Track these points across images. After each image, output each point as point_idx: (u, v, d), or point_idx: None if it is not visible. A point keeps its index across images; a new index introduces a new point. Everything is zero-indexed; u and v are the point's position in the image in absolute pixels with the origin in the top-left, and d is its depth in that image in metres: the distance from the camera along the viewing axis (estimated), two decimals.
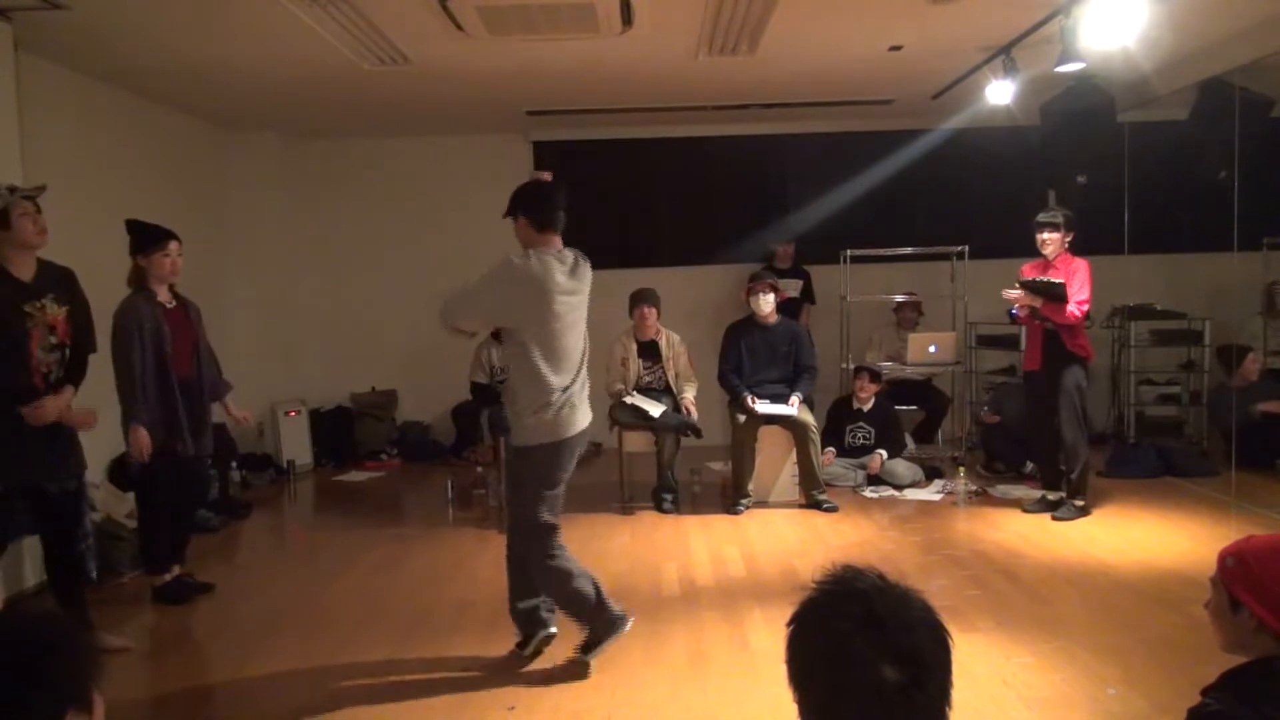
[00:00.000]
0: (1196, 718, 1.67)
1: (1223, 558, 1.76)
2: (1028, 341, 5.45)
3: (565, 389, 3.34)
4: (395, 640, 3.77)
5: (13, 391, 3.46)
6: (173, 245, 4.24)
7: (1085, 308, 5.14)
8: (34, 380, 3.52)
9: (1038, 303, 5.18)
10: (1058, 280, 5.12)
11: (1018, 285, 5.29)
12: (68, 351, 3.70)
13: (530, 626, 3.56)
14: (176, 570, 4.48)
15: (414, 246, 8.15)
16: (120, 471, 5.20)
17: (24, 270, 3.55)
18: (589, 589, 3.37)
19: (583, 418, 3.42)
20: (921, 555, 4.79)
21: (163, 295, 4.27)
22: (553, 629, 3.56)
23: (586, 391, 3.46)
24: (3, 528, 3.58)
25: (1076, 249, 5.29)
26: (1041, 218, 5.32)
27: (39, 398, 3.50)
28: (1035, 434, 5.63)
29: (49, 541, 3.75)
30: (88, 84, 5.66)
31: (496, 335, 6.12)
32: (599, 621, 3.41)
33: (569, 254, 3.41)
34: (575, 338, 3.41)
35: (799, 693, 1.16)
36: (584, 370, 3.44)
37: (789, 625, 1.20)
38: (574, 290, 3.38)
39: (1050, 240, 5.24)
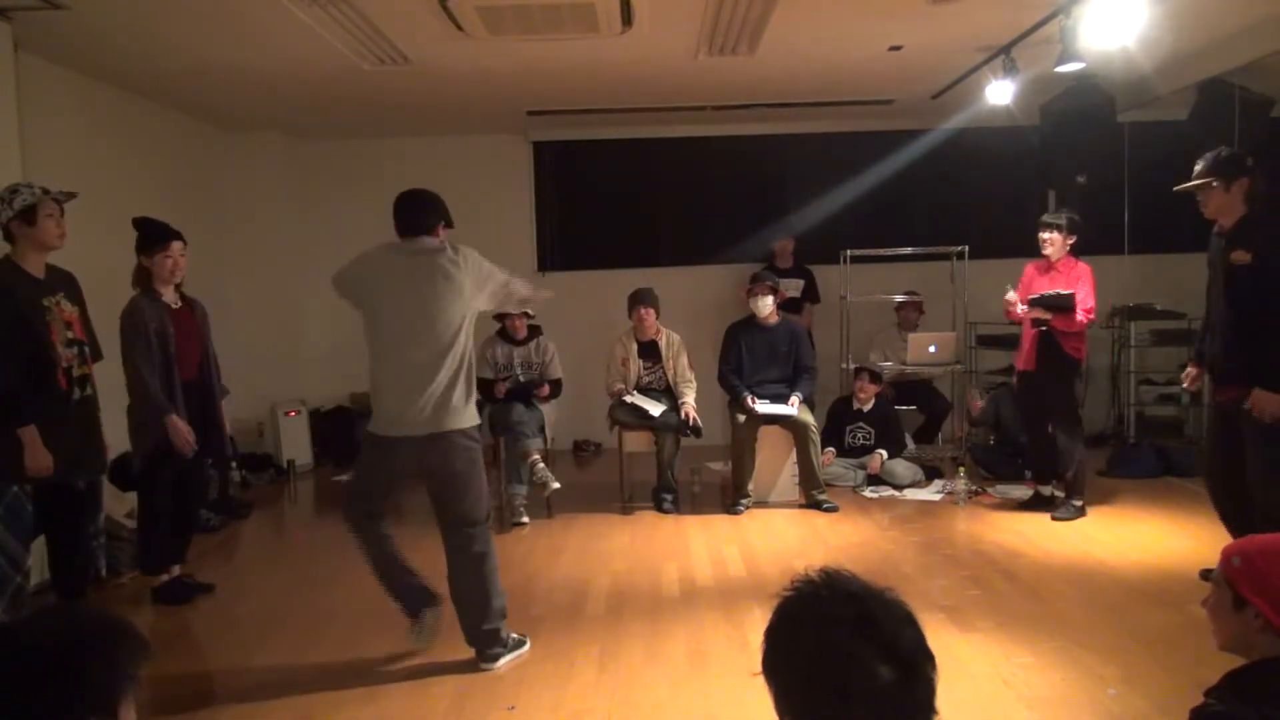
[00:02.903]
0: (1199, 718, 1.67)
1: (1228, 556, 1.76)
2: (1022, 341, 5.45)
3: (390, 388, 3.36)
4: (395, 640, 3.76)
5: (40, 386, 3.52)
6: (175, 246, 4.25)
7: (1093, 314, 5.17)
8: (57, 375, 3.58)
9: (1047, 316, 5.16)
10: (1067, 292, 5.12)
11: (1022, 302, 5.26)
12: (85, 349, 3.75)
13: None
14: (176, 570, 4.48)
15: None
16: (120, 471, 5.19)
17: (36, 269, 3.65)
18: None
19: (402, 426, 3.35)
20: (921, 555, 4.79)
21: (168, 295, 4.27)
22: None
23: (433, 395, 3.32)
24: (30, 521, 3.62)
25: (1077, 250, 5.29)
26: (1046, 218, 5.33)
27: (61, 394, 3.58)
28: (1029, 432, 5.65)
29: (57, 539, 3.77)
30: (88, 84, 5.65)
31: (501, 332, 6.11)
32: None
33: (424, 245, 3.38)
34: (421, 338, 3.31)
35: (794, 700, 1.15)
36: (428, 380, 3.31)
37: (771, 636, 1.19)
38: (411, 281, 3.32)
39: (1051, 241, 5.24)
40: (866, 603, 1.15)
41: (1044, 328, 5.20)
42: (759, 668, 1.20)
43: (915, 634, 1.14)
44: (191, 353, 4.33)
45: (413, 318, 3.33)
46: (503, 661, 3.50)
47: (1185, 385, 4.31)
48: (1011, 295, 5.31)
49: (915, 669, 1.11)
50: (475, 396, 3.51)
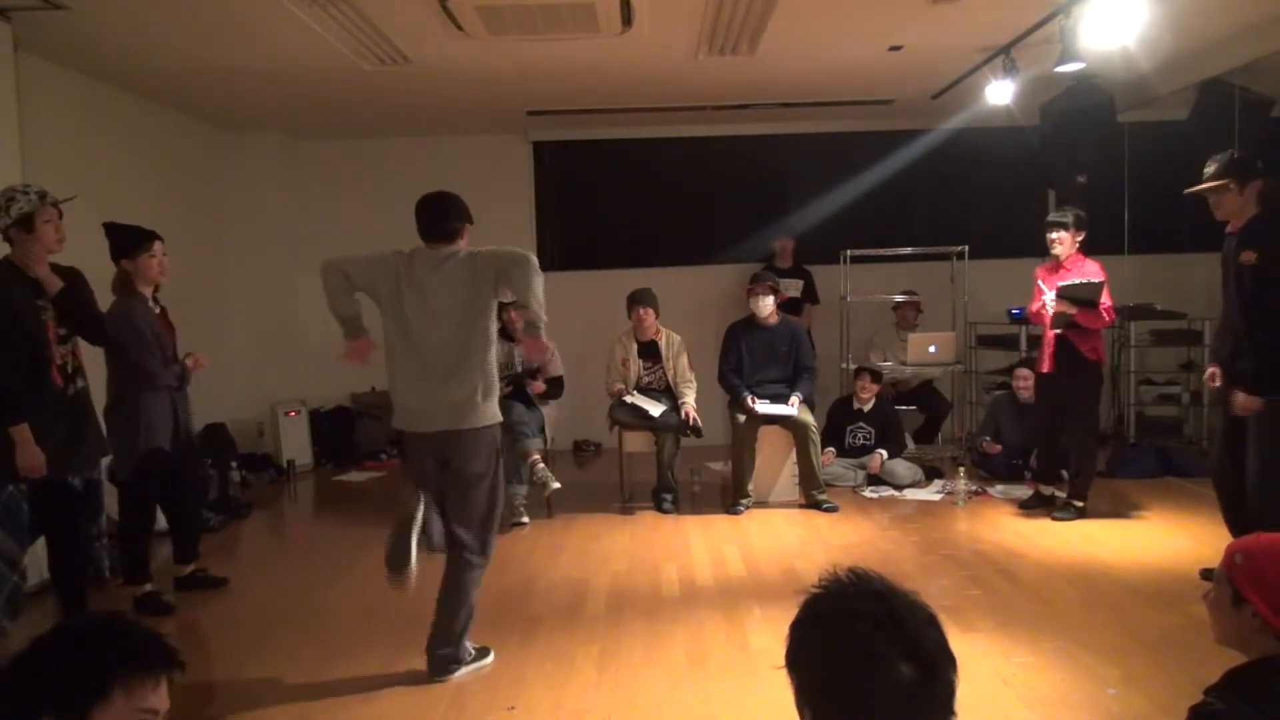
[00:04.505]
0: (1199, 717, 1.67)
1: (1231, 553, 1.76)
2: (1041, 345, 5.42)
3: (407, 385, 3.34)
4: (395, 640, 3.76)
5: (34, 382, 3.52)
6: (157, 245, 4.21)
7: (1112, 313, 5.14)
8: (52, 372, 3.59)
9: (1073, 310, 5.09)
10: (1098, 281, 5.07)
11: (1054, 294, 5.17)
12: (76, 342, 3.77)
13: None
14: (191, 568, 4.51)
15: (414, 246, 8.14)
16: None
17: (34, 271, 3.63)
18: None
19: (422, 422, 3.33)
20: (921, 555, 4.79)
21: (149, 299, 4.25)
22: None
23: (451, 393, 3.30)
24: (26, 520, 3.61)
25: (1083, 247, 5.25)
26: (1052, 217, 5.29)
27: (57, 390, 3.59)
28: (1042, 434, 5.62)
29: (57, 540, 3.76)
30: (88, 84, 5.66)
31: (501, 330, 6.10)
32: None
33: (446, 252, 3.39)
34: (434, 336, 3.33)
35: (815, 694, 1.16)
36: (446, 378, 3.30)
37: (796, 631, 1.20)
38: (434, 290, 3.33)
39: (1060, 240, 5.19)
40: (891, 602, 1.16)
41: (1060, 330, 5.17)
42: (781, 662, 1.21)
43: (938, 635, 1.15)
44: (170, 356, 4.31)
45: (434, 325, 3.33)
46: (459, 674, 3.41)
47: (1212, 385, 4.10)
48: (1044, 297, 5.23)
49: (936, 669, 1.12)
50: (497, 393, 3.46)
